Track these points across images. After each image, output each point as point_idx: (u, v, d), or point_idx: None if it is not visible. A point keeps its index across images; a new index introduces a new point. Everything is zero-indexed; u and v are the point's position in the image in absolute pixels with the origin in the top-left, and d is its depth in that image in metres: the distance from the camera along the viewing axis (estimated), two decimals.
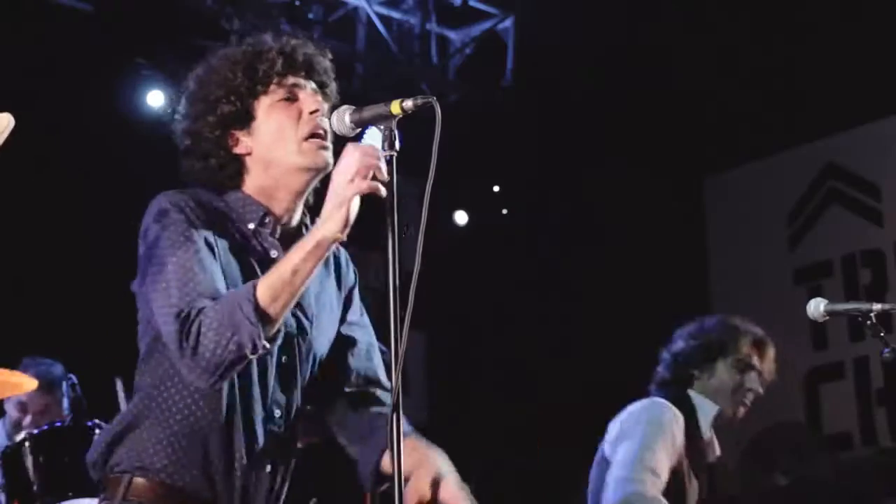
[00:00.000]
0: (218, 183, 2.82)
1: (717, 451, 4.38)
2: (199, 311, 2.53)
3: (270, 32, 2.92)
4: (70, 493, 4.67)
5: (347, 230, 2.55)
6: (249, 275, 2.69)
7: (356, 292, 2.99)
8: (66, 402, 4.94)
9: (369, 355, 2.96)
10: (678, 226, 8.69)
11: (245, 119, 2.81)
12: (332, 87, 2.92)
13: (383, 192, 2.51)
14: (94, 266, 6.17)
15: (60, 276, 6.54)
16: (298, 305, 2.73)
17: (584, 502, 4.28)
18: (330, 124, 2.73)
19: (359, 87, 7.83)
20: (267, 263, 2.72)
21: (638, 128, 8.29)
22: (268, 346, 2.54)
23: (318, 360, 2.85)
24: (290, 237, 2.79)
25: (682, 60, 8.02)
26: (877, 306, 3.69)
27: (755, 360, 4.39)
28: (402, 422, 2.50)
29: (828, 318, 3.80)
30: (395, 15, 8.01)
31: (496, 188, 8.83)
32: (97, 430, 4.80)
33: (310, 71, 2.87)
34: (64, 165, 6.75)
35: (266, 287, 2.54)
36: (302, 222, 2.87)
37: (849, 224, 8.41)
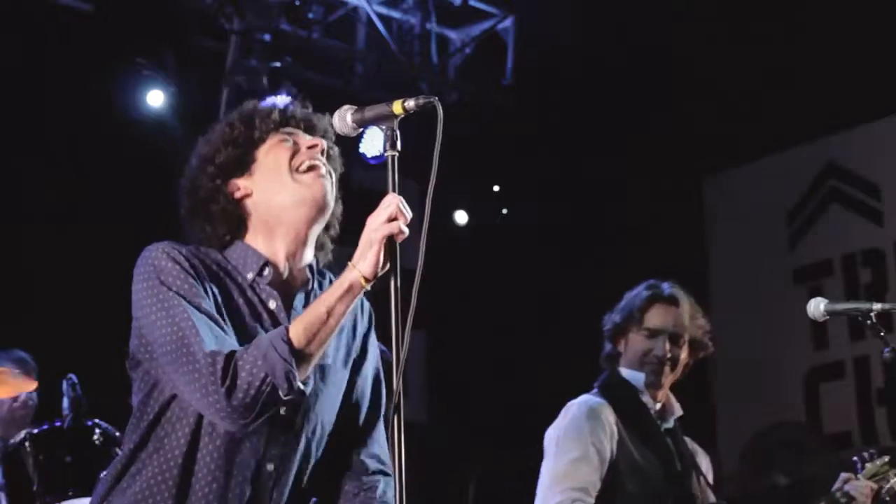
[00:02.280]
0: (221, 235, 2.77)
1: (678, 412, 4.38)
2: (233, 352, 2.50)
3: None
4: (70, 493, 4.68)
5: (380, 271, 2.52)
6: (245, 326, 2.65)
7: (371, 340, 2.92)
8: (66, 402, 4.93)
9: (375, 438, 2.87)
10: (678, 226, 8.69)
11: (244, 165, 2.77)
12: (336, 151, 2.86)
13: (403, 234, 2.50)
14: (94, 265, 6.16)
15: (60, 275, 6.54)
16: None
17: None
18: (332, 125, 2.72)
19: (359, 87, 7.83)
20: (264, 314, 2.69)
21: (638, 128, 8.29)
22: (303, 387, 2.51)
23: (326, 415, 2.76)
24: (296, 284, 2.76)
25: (682, 60, 8.02)
26: (877, 306, 3.69)
27: (669, 326, 4.38)
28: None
29: (828, 317, 3.80)
30: (395, 15, 8.01)
31: (496, 188, 8.83)
32: (97, 430, 4.81)
33: (310, 129, 2.84)
34: (64, 165, 6.75)
35: (300, 328, 2.51)
36: (309, 267, 2.79)
37: (849, 224, 8.42)
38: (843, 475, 4.26)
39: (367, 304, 2.87)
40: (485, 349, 8.58)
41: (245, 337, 2.61)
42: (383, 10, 7.94)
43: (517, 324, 8.61)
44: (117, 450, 4.55)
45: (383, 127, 2.59)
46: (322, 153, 2.77)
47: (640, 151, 8.38)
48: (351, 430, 2.83)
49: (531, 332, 8.56)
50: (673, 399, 4.41)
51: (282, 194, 2.73)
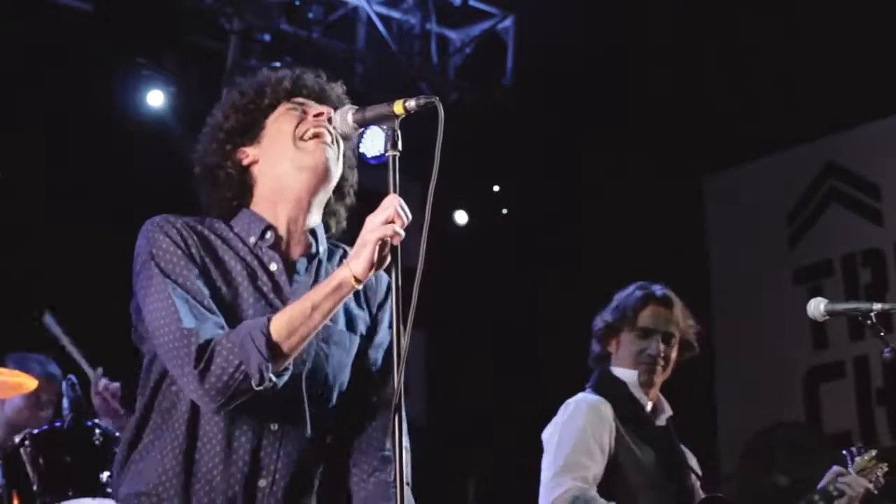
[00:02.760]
0: (228, 201, 2.81)
1: (668, 411, 4.45)
2: (211, 337, 2.54)
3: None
4: (70, 493, 4.68)
5: (371, 272, 2.53)
6: (244, 290, 2.69)
7: (387, 311, 2.88)
8: (66, 403, 4.94)
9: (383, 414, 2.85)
10: (678, 226, 8.69)
11: (253, 133, 2.81)
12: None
13: (399, 237, 2.51)
14: (94, 265, 6.16)
15: (60, 275, 6.54)
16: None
17: None
18: (333, 123, 2.73)
19: (359, 87, 7.82)
20: (264, 276, 2.72)
21: (638, 127, 8.29)
22: (275, 380, 2.52)
23: (333, 377, 2.77)
24: (299, 248, 2.79)
25: (682, 60, 8.02)
26: (877, 306, 3.70)
27: (661, 326, 4.42)
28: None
29: (828, 317, 3.81)
30: (395, 15, 8.01)
31: (496, 188, 8.83)
32: (97, 430, 4.81)
33: (322, 97, 2.86)
34: (64, 165, 6.74)
35: (282, 321, 2.53)
36: (312, 232, 2.82)
37: (849, 224, 8.41)
38: (835, 468, 4.27)
39: (384, 277, 2.86)
40: (485, 349, 8.57)
41: (244, 302, 2.67)
42: (383, 10, 7.94)
43: (517, 324, 8.61)
44: (117, 450, 4.54)
45: (384, 127, 2.60)
46: (329, 121, 2.77)
47: (639, 151, 8.38)
48: (365, 400, 2.83)
49: (531, 332, 8.56)
50: (663, 398, 4.47)
51: (284, 161, 2.76)
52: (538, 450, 4.37)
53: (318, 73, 2.90)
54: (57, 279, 6.52)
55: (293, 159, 2.75)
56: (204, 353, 2.52)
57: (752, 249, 8.77)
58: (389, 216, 2.49)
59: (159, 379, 2.69)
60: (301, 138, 2.77)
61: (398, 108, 2.59)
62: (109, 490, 4.61)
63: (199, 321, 2.56)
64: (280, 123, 2.80)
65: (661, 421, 4.43)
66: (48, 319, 4.99)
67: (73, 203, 6.68)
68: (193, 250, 2.68)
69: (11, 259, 6.39)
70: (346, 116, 2.70)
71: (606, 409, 4.29)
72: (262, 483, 2.66)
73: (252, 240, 2.75)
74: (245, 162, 2.80)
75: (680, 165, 8.58)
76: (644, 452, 4.28)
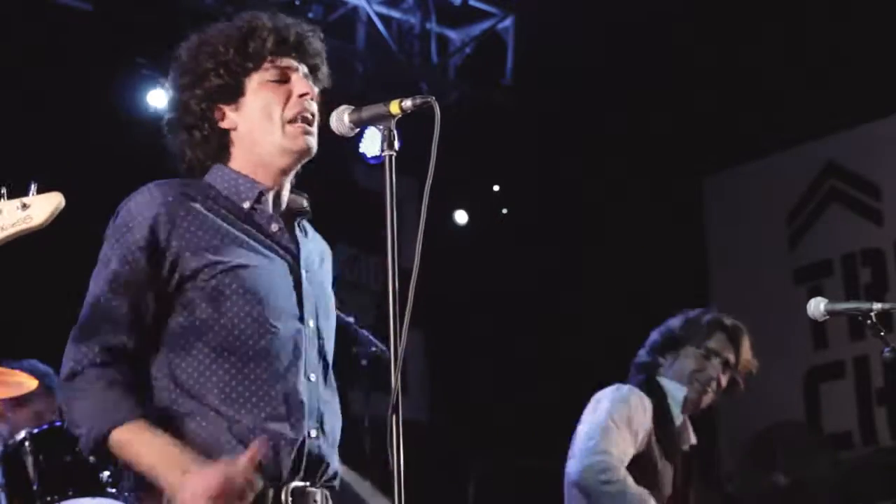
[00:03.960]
0: (199, 160, 2.81)
1: (693, 440, 4.52)
2: (92, 364, 2.59)
3: (266, 11, 2.90)
4: (70, 493, 4.67)
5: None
6: (254, 249, 2.70)
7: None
8: None
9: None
10: (678, 226, 8.68)
11: (233, 94, 2.79)
12: (324, 70, 2.90)
13: None
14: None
15: (60, 276, 6.53)
16: (312, 277, 2.78)
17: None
18: (317, 113, 2.74)
19: (359, 87, 7.82)
20: (267, 239, 2.73)
21: (638, 128, 8.29)
22: (91, 459, 2.60)
23: (333, 327, 2.86)
24: (285, 215, 2.82)
25: (682, 60, 8.02)
26: (877, 306, 3.70)
27: (726, 352, 4.46)
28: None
29: (828, 317, 3.80)
30: (395, 14, 8.01)
31: (496, 188, 8.82)
32: None
33: (302, 52, 2.85)
34: (64, 165, 6.74)
35: (123, 438, 2.54)
36: (290, 199, 2.86)
37: (849, 223, 8.41)
38: None
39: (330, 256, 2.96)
40: (485, 349, 8.57)
41: (254, 256, 2.68)
42: (383, 10, 7.94)
43: (517, 324, 8.61)
44: None
45: (380, 127, 2.60)
46: (312, 99, 2.79)
47: (640, 151, 8.38)
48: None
49: (531, 332, 8.56)
50: (690, 427, 4.53)
51: (267, 140, 2.77)
52: (538, 449, 4.39)
53: (298, 22, 2.89)
54: (57, 279, 6.52)
55: (278, 142, 2.76)
56: (71, 372, 2.60)
57: (752, 249, 8.77)
58: (213, 493, 2.44)
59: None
60: (287, 121, 2.77)
61: (394, 108, 2.59)
62: (110, 490, 4.61)
63: (94, 332, 2.61)
64: (264, 99, 2.78)
65: (685, 445, 4.49)
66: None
67: (73, 203, 6.67)
68: (185, 221, 2.67)
69: (10, 258, 6.38)
70: (342, 117, 2.69)
71: (648, 405, 4.37)
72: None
73: (247, 204, 2.75)
74: (223, 124, 2.79)
75: (680, 165, 8.58)
76: (663, 463, 4.34)
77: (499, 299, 8.56)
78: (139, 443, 2.53)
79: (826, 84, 7.77)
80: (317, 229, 2.98)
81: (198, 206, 2.70)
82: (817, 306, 3.78)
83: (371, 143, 8.24)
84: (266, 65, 2.79)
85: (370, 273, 8.58)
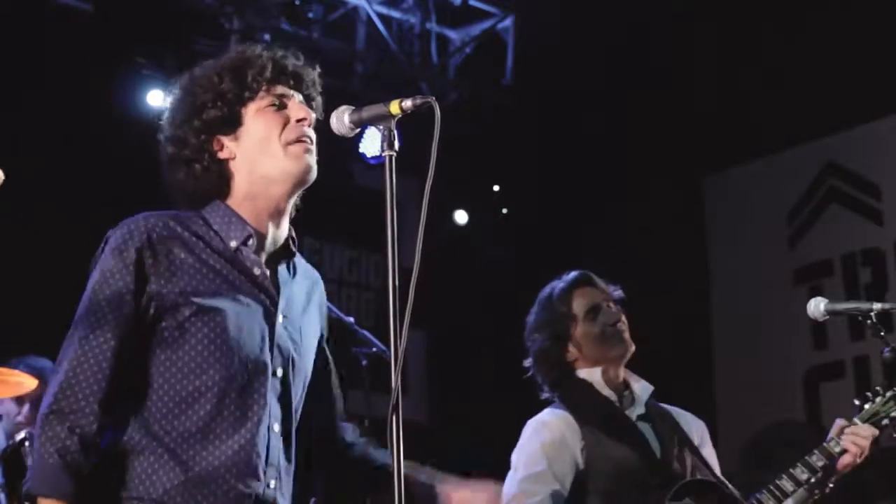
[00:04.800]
0: (200, 193, 2.78)
1: (647, 389, 4.16)
2: (64, 441, 2.61)
3: (261, 41, 2.90)
4: None
5: None
6: (231, 291, 2.67)
7: (324, 311, 2.97)
8: None
9: (337, 406, 2.98)
10: (678, 226, 8.68)
11: (231, 124, 2.77)
12: (319, 101, 2.89)
13: None
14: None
15: (60, 276, 6.53)
16: (288, 323, 2.75)
17: None
18: (330, 124, 2.73)
19: (359, 87, 7.83)
20: (248, 281, 2.70)
21: (638, 127, 8.29)
22: None
23: (306, 379, 2.83)
24: (279, 252, 2.79)
25: (682, 60, 8.02)
26: (877, 306, 3.70)
27: (589, 301, 4.29)
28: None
29: (828, 317, 3.81)
30: (395, 14, 8.02)
31: (496, 188, 8.83)
32: None
33: (298, 82, 2.84)
34: (64, 165, 6.74)
35: None
36: (289, 237, 2.83)
37: (849, 223, 8.41)
38: (839, 422, 3.98)
39: (321, 285, 2.95)
40: (485, 349, 8.57)
41: (229, 300, 2.65)
42: (383, 10, 7.94)
43: (517, 324, 8.59)
44: None
45: (381, 127, 2.60)
46: (309, 125, 2.78)
47: (640, 151, 8.38)
48: (319, 395, 2.91)
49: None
50: (635, 379, 4.20)
51: (267, 167, 2.75)
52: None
53: (293, 53, 2.88)
54: (56, 279, 6.52)
55: (279, 168, 2.74)
56: (48, 421, 2.62)
57: (752, 249, 8.77)
58: None
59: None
60: (285, 146, 2.75)
61: (394, 108, 2.59)
62: None
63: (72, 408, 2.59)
64: (263, 124, 2.76)
65: (640, 408, 4.15)
66: None
67: (73, 203, 6.67)
68: (169, 256, 2.65)
69: (10, 258, 6.39)
70: (342, 117, 2.69)
71: (566, 424, 4.10)
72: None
73: (233, 244, 2.72)
74: (221, 155, 2.77)
75: (680, 165, 8.58)
76: (622, 454, 4.01)
77: (499, 299, 8.55)
78: None
79: (826, 84, 7.77)
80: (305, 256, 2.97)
81: (182, 242, 2.69)
82: (817, 306, 3.78)
83: (371, 144, 8.19)
84: (262, 93, 2.79)
85: (370, 273, 8.58)
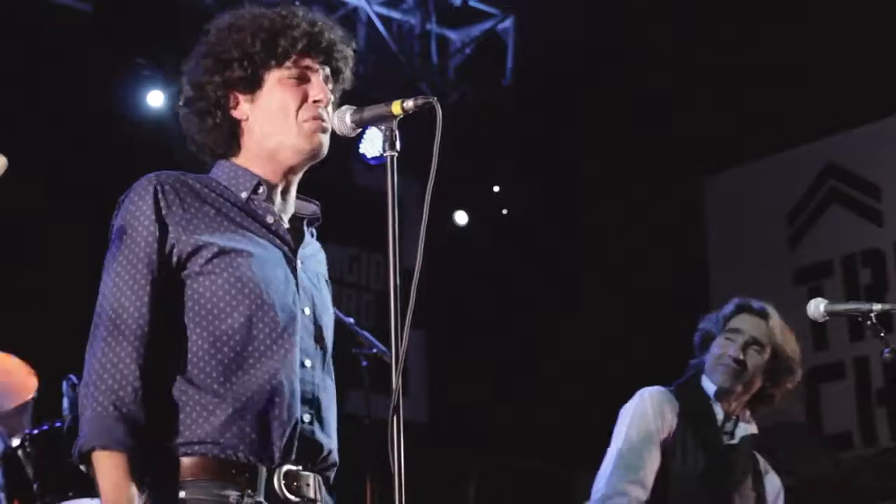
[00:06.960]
0: (210, 146, 2.80)
1: (751, 429, 4.29)
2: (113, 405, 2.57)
3: (302, 7, 2.90)
4: (70, 493, 4.67)
5: None
6: (250, 235, 2.69)
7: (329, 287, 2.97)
8: (66, 403, 4.93)
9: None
10: (678, 226, 8.69)
11: (251, 85, 2.77)
12: (347, 74, 2.89)
13: None
14: (94, 265, 6.16)
15: (60, 275, 6.54)
16: (306, 269, 2.76)
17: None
18: (330, 119, 2.73)
19: (359, 87, 7.81)
20: (264, 229, 2.72)
21: (638, 128, 8.29)
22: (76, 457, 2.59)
23: (331, 321, 2.84)
24: (286, 208, 2.80)
25: (682, 60, 8.02)
26: (877, 306, 3.69)
27: (751, 331, 4.35)
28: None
29: (828, 318, 3.80)
30: (395, 15, 8.02)
31: (496, 188, 8.83)
32: None
33: (329, 57, 2.85)
34: (64, 165, 6.74)
35: (98, 461, 2.56)
36: (300, 205, 2.84)
37: (849, 224, 8.42)
38: None
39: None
40: (485, 349, 8.58)
41: (249, 242, 2.67)
42: (383, 11, 7.94)
43: (517, 324, 8.61)
44: None
45: (382, 127, 2.60)
46: (325, 106, 2.77)
47: (640, 151, 8.38)
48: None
49: (531, 332, 8.56)
50: (748, 416, 4.33)
51: (280, 137, 2.75)
52: (538, 450, 4.35)
53: (331, 26, 2.90)
54: (56, 279, 6.53)
55: (291, 140, 2.74)
56: (85, 389, 2.57)
57: (752, 249, 8.77)
58: None
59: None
60: (300, 122, 2.75)
61: (396, 108, 2.59)
62: None
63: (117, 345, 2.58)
64: (280, 96, 2.76)
65: (735, 439, 4.27)
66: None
67: (73, 203, 6.68)
68: (190, 206, 2.67)
69: (10, 258, 6.40)
70: (343, 117, 2.69)
71: (671, 407, 4.22)
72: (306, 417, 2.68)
73: (244, 195, 2.74)
74: (234, 114, 2.78)
75: (680, 165, 8.58)
76: (697, 466, 4.16)
77: (499, 299, 8.56)
78: (105, 471, 2.56)
79: (826, 85, 7.78)
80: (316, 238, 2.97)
81: (195, 193, 2.71)
82: (817, 307, 3.78)
83: (371, 144, 8.20)
84: (288, 63, 2.79)
85: (370, 274, 8.59)
